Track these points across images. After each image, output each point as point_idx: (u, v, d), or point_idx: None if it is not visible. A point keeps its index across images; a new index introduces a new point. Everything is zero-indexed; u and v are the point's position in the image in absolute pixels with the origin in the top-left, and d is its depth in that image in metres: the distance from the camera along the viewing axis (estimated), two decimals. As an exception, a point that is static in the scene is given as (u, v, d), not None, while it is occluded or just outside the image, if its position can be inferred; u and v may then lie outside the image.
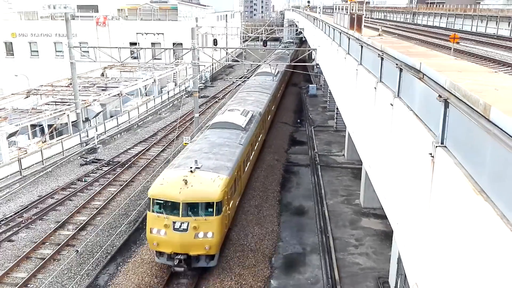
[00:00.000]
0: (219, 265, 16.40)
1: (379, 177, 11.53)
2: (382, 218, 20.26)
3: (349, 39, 17.73)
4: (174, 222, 15.24)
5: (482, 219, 4.79)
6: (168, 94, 45.86)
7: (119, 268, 17.11)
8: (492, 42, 24.60)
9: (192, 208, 15.40)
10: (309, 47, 47.94)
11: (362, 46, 14.57)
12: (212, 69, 61.00)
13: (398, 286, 14.49)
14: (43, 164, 27.03)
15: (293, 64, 36.27)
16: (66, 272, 16.96)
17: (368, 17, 61.17)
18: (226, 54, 63.35)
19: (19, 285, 16.12)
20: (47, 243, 19.15)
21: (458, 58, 10.76)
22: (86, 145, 30.77)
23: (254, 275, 16.35)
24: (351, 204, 22.52)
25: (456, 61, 9.42)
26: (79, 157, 29.50)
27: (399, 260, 14.10)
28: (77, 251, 18.24)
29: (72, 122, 31.86)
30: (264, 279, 16.36)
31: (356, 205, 22.39)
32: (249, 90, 32.89)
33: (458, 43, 20.31)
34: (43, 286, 15.92)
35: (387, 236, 18.92)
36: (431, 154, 6.73)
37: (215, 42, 45.91)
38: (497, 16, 37.58)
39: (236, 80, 53.99)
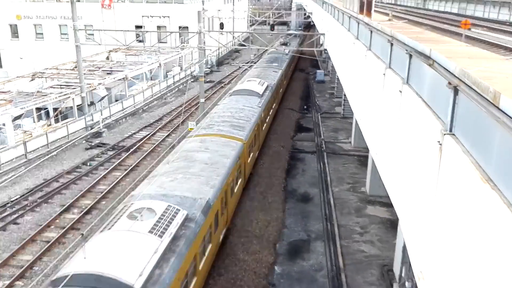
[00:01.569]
0: (223, 251, 16.44)
1: (385, 164, 11.42)
2: (387, 206, 20.17)
3: (358, 24, 17.45)
4: None
5: (489, 207, 4.74)
6: (174, 79, 45.67)
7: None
8: (504, 29, 24.15)
9: None
10: (317, 31, 47.42)
11: (371, 31, 14.32)
12: (218, 54, 60.63)
13: (403, 274, 14.46)
14: (48, 147, 27.11)
15: (294, 62, 31.99)
16: (71, 254, 17.07)
17: (378, 2, 60.36)
18: (233, 38, 62.90)
19: (24, 267, 16.28)
20: (52, 226, 19.28)
21: (469, 45, 10.54)
22: (91, 129, 30.79)
23: (258, 261, 16.39)
24: (356, 192, 22.44)
25: (467, 48, 9.23)
26: (84, 141, 29.57)
27: (404, 248, 14.05)
28: (82, 234, 18.28)
29: (77, 105, 31.87)
30: (268, 265, 16.39)
31: (362, 193, 22.30)
32: (206, 133, 19.39)
33: (469, 29, 19.96)
34: (48, 268, 16.05)
35: (392, 224, 18.85)
36: (439, 142, 6.63)
37: (221, 25, 45.60)
38: (510, 2, 36.87)
39: (243, 65, 53.70)
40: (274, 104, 31.62)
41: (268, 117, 28.32)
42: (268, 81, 30.44)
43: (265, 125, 26.66)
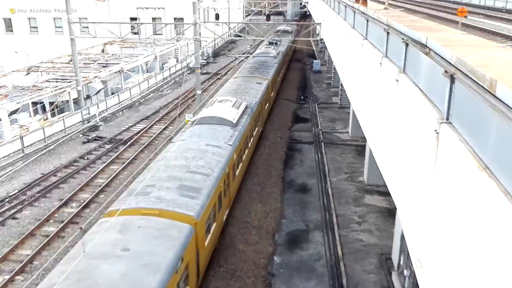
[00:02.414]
0: (222, 242, 16.49)
1: (383, 154, 11.44)
2: (385, 195, 20.24)
3: (354, 13, 17.37)
4: None
5: (486, 195, 4.74)
6: (170, 71, 45.48)
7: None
8: (500, 16, 24.06)
9: None
10: (314, 21, 47.18)
11: (367, 20, 14.26)
12: (214, 45, 60.31)
13: (401, 263, 14.56)
14: (45, 141, 27.04)
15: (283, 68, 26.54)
16: (70, 249, 17.08)
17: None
18: (229, 29, 62.56)
19: (24, 261, 16.30)
20: (51, 221, 19.29)
21: (465, 33, 10.49)
22: (88, 122, 30.71)
23: (257, 252, 16.46)
24: (354, 182, 22.49)
25: (463, 36, 9.20)
26: (81, 135, 29.49)
27: (402, 237, 14.13)
28: (81, 228, 18.32)
29: (73, 99, 31.74)
30: (267, 256, 16.47)
31: (359, 182, 22.35)
32: (135, 209, 12.01)
33: (466, 17, 19.85)
34: (48, 262, 16.08)
35: (390, 213, 18.93)
36: (436, 130, 6.62)
37: (217, 16, 45.31)
38: (506, -11, 36.69)
39: (239, 56, 53.45)
40: (257, 129, 24.50)
41: (246, 153, 20.76)
42: (248, 98, 23.64)
43: (240, 166, 19.32)
